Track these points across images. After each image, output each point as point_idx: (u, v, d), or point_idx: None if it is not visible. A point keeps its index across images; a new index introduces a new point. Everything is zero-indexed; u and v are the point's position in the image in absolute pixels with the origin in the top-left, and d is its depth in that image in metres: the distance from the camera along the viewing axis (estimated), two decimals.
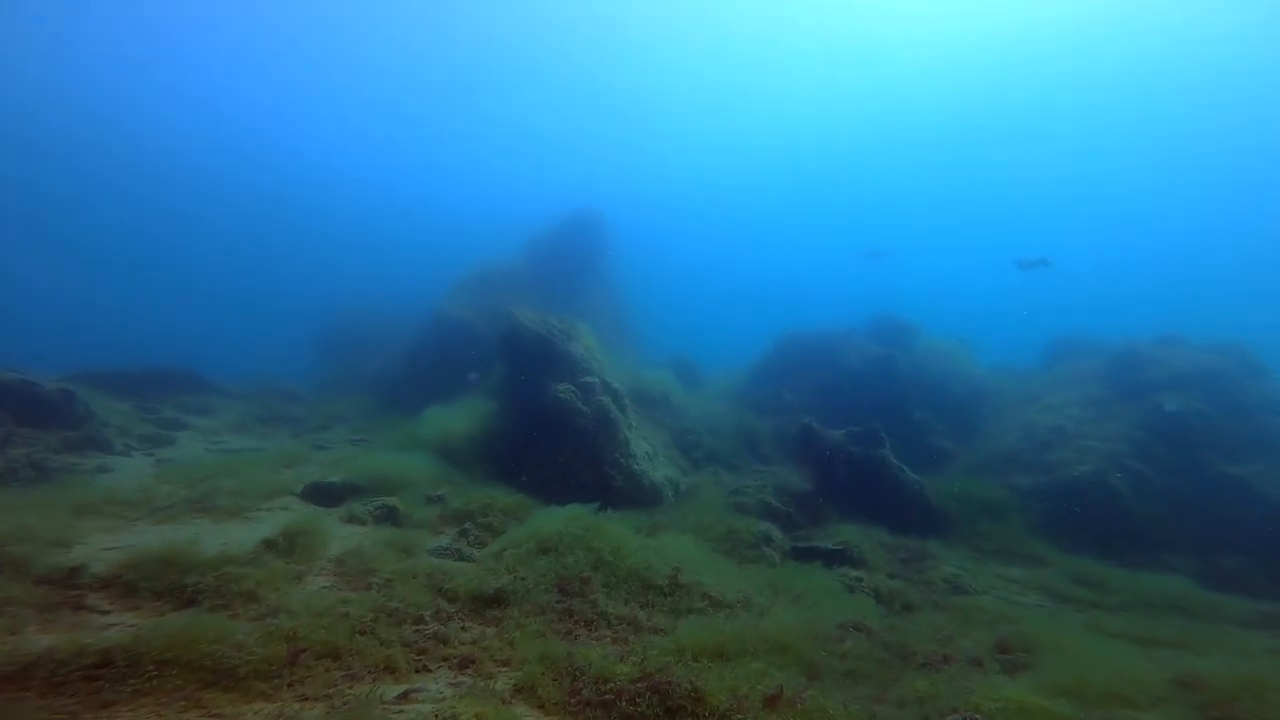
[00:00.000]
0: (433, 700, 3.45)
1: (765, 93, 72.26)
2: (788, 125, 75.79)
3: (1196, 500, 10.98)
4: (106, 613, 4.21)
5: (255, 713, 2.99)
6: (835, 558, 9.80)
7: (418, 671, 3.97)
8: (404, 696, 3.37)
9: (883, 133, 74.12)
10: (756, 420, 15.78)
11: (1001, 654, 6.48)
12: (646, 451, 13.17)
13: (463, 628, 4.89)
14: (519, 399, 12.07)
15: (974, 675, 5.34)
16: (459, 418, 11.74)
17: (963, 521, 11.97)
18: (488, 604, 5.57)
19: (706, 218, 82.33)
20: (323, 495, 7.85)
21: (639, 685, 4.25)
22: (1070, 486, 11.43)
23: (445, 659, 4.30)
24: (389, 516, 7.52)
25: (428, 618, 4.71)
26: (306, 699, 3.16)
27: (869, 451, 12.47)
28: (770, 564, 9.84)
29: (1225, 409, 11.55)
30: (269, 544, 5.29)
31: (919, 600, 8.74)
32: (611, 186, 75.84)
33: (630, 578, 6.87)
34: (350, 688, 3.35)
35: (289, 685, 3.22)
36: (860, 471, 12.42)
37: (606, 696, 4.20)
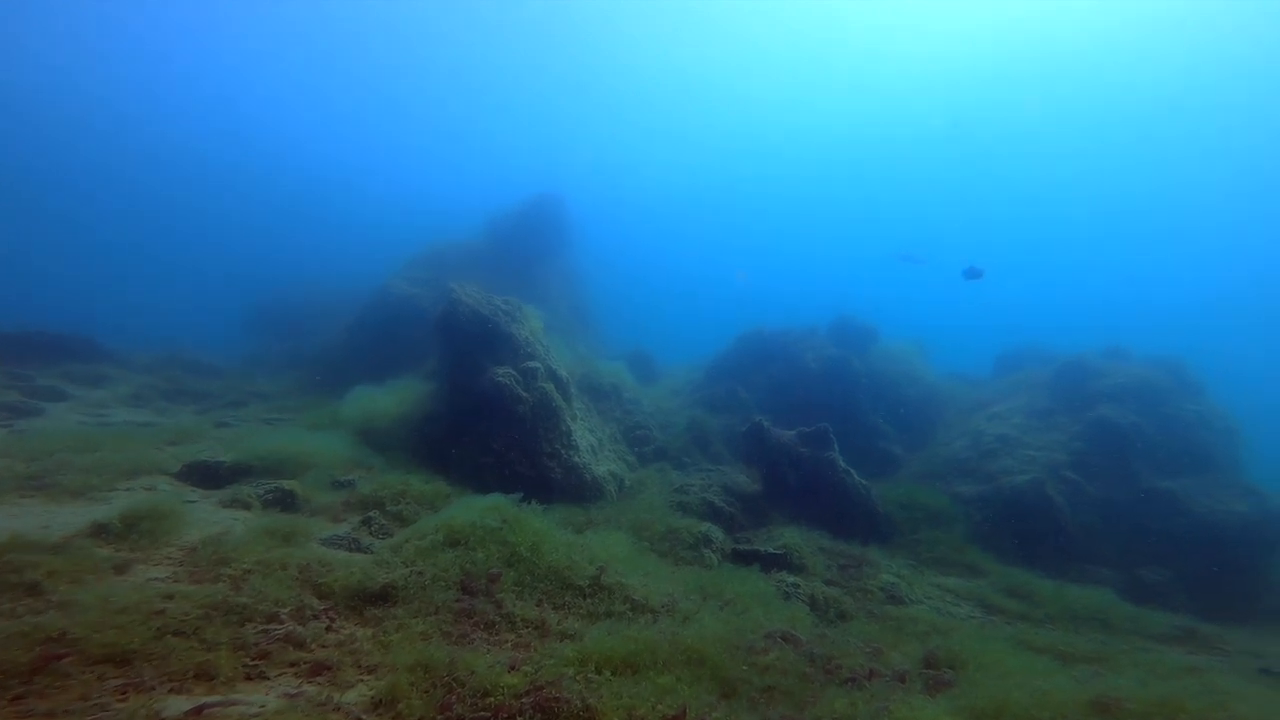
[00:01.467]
0: (245, 715, 2.79)
1: (744, 94, 72.65)
2: (768, 125, 76.38)
3: (1126, 513, 11.13)
4: None
5: None
6: (774, 562, 9.44)
7: (248, 679, 3.29)
8: (196, 712, 2.70)
9: (862, 139, 75.35)
10: (709, 417, 15.40)
11: (928, 669, 6.19)
12: (590, 444, 12.58)
13: (329, 628, 4.21)
14: (455, 381, 11.31)
15: (896, 693, 4.98)
16: (387, 398, 10.91)
17: (906, 529, 11.84)
18: (371, 601, 4.89)
19: (682, 216, 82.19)
20: (205, 475, 6.96)
21: (523, 701, 3.68)
22: (1010, 496, 11.42)
23: (293, 664, 3.64)
24: (282, 501, 6.70)
25: (283, 616, 4.01)
26: (31, 715, 2.47)
27: (817, 453, 12.22)
28: (708, 566, 9.43)
29: (1160, 422, 11.76)
30: (99, 528, 4.48)
31: (853, 609, 8.45)
32: (584, 179, 74.94)
33: (548, 576, 6.30)
34: (121, 699, 2.66)
35: (16, 699, 2.52)
36: (808, 473, 12.15)
37: (482, 714, 3.61)
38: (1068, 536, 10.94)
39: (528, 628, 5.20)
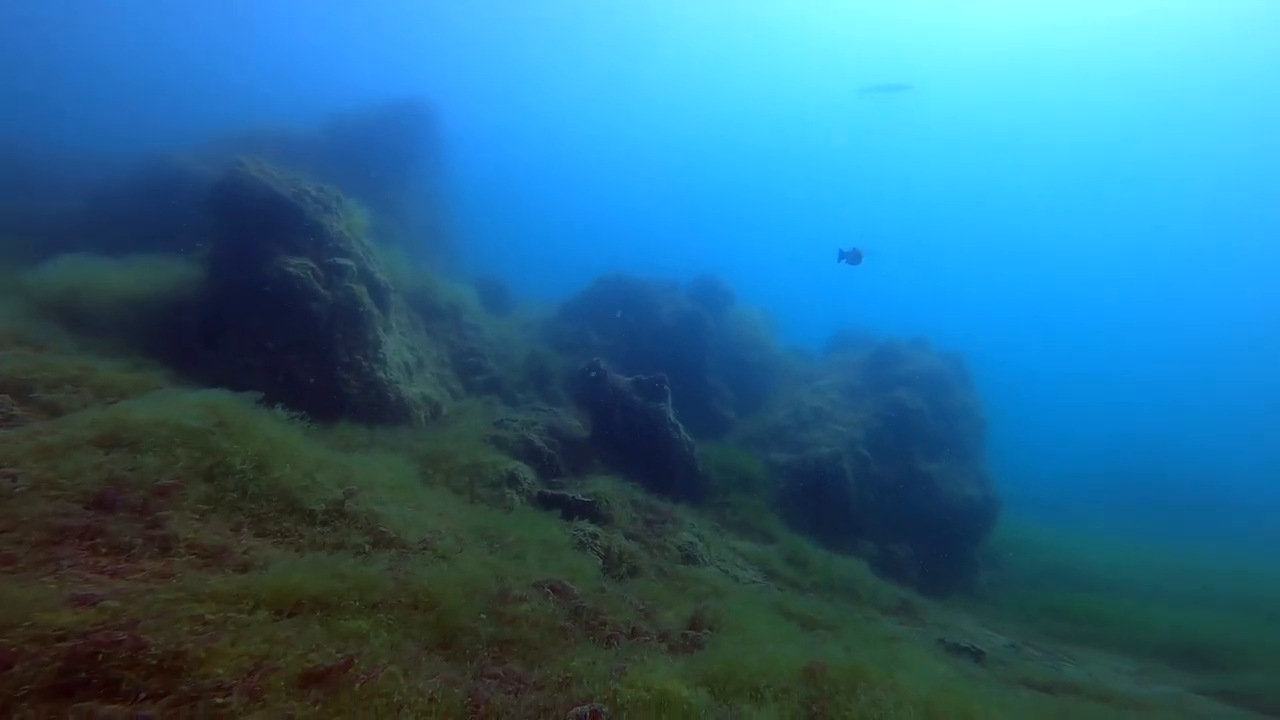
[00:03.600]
0: None
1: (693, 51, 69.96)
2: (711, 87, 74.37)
3: (895, 490, 12.49)
4: None
5: None
6: (581, 510, 8.96)
7: None
8: None
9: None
10: (555, 356, 14.51)
11: (691, 630, 6.10)
12: (406, 362, 11.00)
13: None
14: (229, 265, 9.00)
15: (642, 653, 4.61)
16: (117, 273, 8.33)
17: (719, 490, 12.16)
18: None
19: (600, 162, 78.02)
20: None
21: (79, 644, 2.49)
22: (813, 467, 12.22)
23: None
24: None
25: None
26: None
27: (649, 404, 11.96)
28: (508, 508, 8.67)
29: (938, 410, 13.32)
30: None
31: (647, 565, 8.29)
32: (488, 96, 67.74)
33: (269, 496, 5.00)
34: None
35: None
36: (637, 423, 11.87)
37: None
38: (850, 509, 11.98)
39: (195, 554, 3.92)
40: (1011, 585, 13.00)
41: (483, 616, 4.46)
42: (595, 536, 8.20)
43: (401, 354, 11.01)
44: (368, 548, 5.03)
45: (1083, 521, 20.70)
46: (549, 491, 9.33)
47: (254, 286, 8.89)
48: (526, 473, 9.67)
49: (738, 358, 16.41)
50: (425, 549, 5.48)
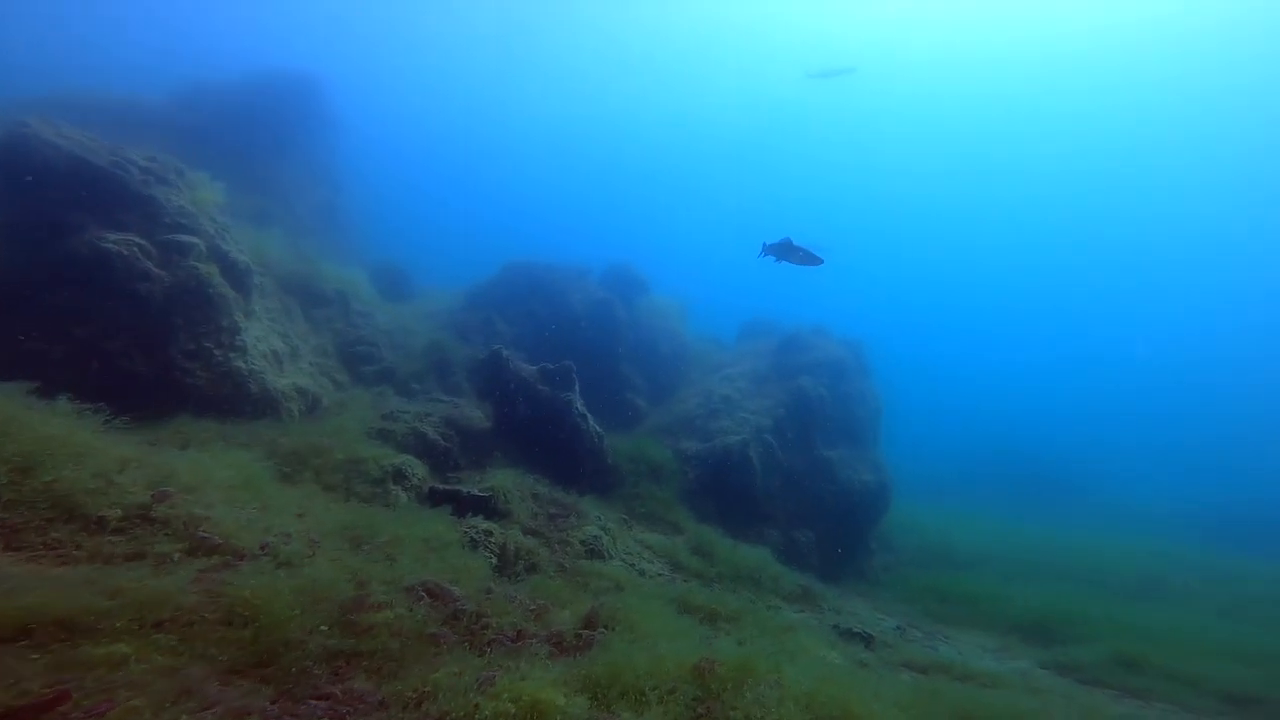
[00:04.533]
0: None
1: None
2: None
3: (799, 477, 12.82)
4: None
5: None
6: (475, 505, 8.27)
7: None
8: None
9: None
10: (458, 345, 13.55)
11: (585, 629, 5.69)
12: (275, 350, 9.70)
13: None
14: (21, 241, 7.40)
15: (524, 659, 4.13)
16: None
17: (629, 481, 11.86)
18: None
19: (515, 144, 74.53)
20: None
21: None
22: (721, 455, 12.24)
23: None
24: None
25: None
26: None
27: (556, 393, 11.40)
28: (392, 505, 7.82)
29: (838, 397, 13.84)
30: None
31: (546, 561, 7.77)
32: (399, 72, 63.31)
33: (37, 503, 3.94)
34: None
35: None
36: (543, 413, 11.27)
37: None
38: (756, 498, 12.12)
39: None
40: (900, 567, 13.76)
41: (323, 628, 3.75)
42: (490, 533, 7.56)
43: (269, 342, 9.69)
44: (177, 556, 4.12)
45: (964, 504, 22.46)
46: (440, 487, 8.53)
47: (56, 264, 7.37)
48: (416, 467, 8.81)
49: (651, 347, 16.21)
50: (264, 555, 4.63)
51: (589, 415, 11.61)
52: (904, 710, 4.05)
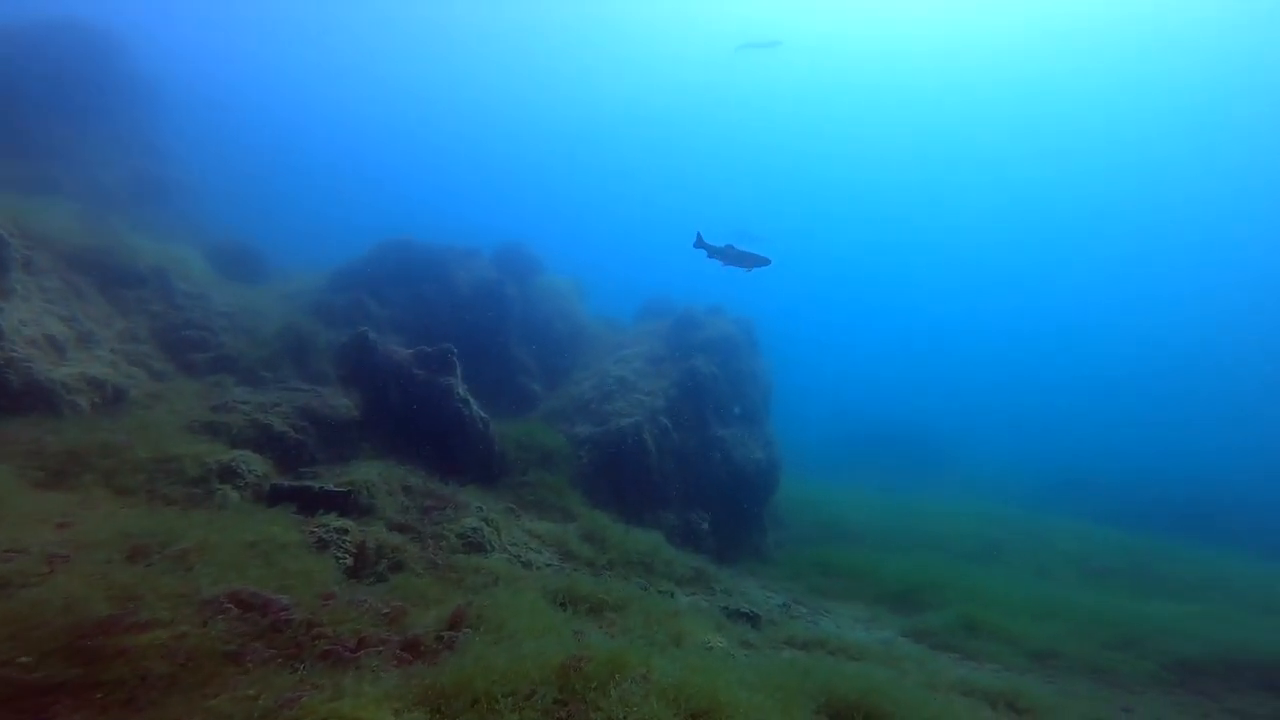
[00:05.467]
0: None
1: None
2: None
3: (694, 458, 12.84)
4: None
5: None
6: (328, 502, 7.15)
7: None
8: None
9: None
10: (321, 329, 11.96)
11: (449, 630, 5.02)
12: (54, 336, 7.84)
13: None
14: None
15: (351, 673, 3.42)
16: None
17: (518, 468, 11.16)
18: None
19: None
20: None
21: None
22: (615, 438, 11.90)
23: None
24: None
25: None
26: None
27: (435, 378, 10.38)
28: (221, 507, 6.57)
29: (730, 376, 14.05)
30: None
31: (414, 559, 6.90)
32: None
33: None
34: None
35: None
36: (419, 400, 10.21)
37: None
38: (652, 480, 11.92)
39: None
40: (791, 544, 14.27)
41: (23, 660, 2.77)
42: (345, 532, 6.54)
43: (43, 325, 7.79)
44: None
45: (853, 476, 23.82)
46: (285, 483, 7.31)
47: None
48: (255, 463, 7.51)
49: (545, 329, 15.48)
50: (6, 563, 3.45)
51: (472, 401, 10.70)
52: (774, 692, 3.90)
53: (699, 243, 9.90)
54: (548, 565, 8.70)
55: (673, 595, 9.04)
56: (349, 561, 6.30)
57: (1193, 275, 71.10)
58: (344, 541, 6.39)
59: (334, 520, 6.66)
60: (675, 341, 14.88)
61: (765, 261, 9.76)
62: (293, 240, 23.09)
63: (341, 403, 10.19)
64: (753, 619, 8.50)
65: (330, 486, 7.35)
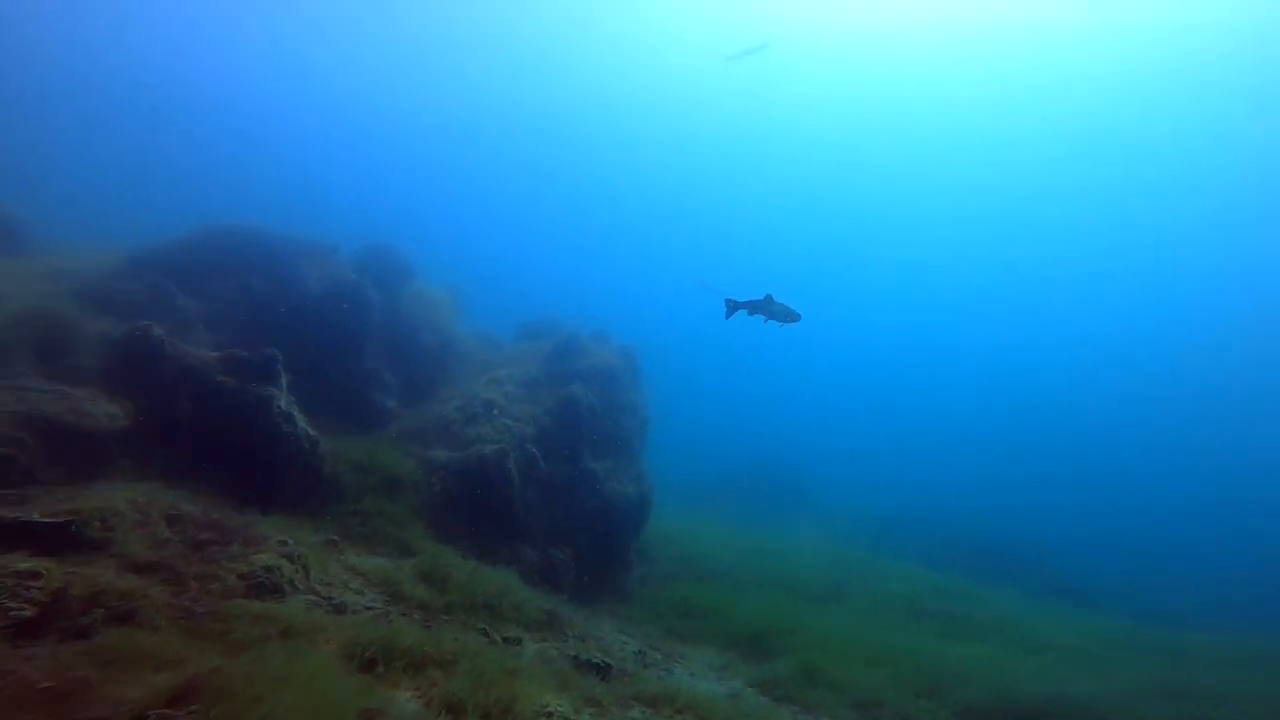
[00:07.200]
0: None
1: None
2: None
3: (561, 490, 11.96)
4: None
5: None
6: (36, 536, 5.24)
7: None
8: None
9: None
10: (86, 315, 9.51)
11: (168, 710, 3.64)
12: None
13: None
14: None
15: None
16: None
17: (352, 494, 9.53)
18: None
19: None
20: None
21: None
22: (476, 466, 10.73)
23: None
24: None
25: None
26: None
27: (247, 387, 8.57)
28: None
29: (608, 406, 13.45)
30: None
31: (156, 607, 5.20)
32: None
33: None
34: None
35: None
36: (222, 412, 8.31)
37: None
38: (513, 513, 10.84)
39: None
40: (656, 581, 13.69)
41: None
42: (36, 575, 4.74)
43: None
44: None
45: (722, 511, 23.40)
46: None
47: None
48: None
49: (411, 341, 13.90)
50: None
51: (298, 416, 8.97)
52: None
53: (733, 307, 8.84)
54: (368, 609, 7.22)
55: (520, 643, 7.94)
56: (27, 613, 4.52)
57: (1021, 324, 75.30)
58: (29, 590, 4.61)
59: (21, 561, 4.83)
60: (555, 366, 14.05)
61: (796, 316, 9.01)
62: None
63: (102, 410, 7.96)
64: (603, 670, 7.64)
65: (36, 517, 5.43)
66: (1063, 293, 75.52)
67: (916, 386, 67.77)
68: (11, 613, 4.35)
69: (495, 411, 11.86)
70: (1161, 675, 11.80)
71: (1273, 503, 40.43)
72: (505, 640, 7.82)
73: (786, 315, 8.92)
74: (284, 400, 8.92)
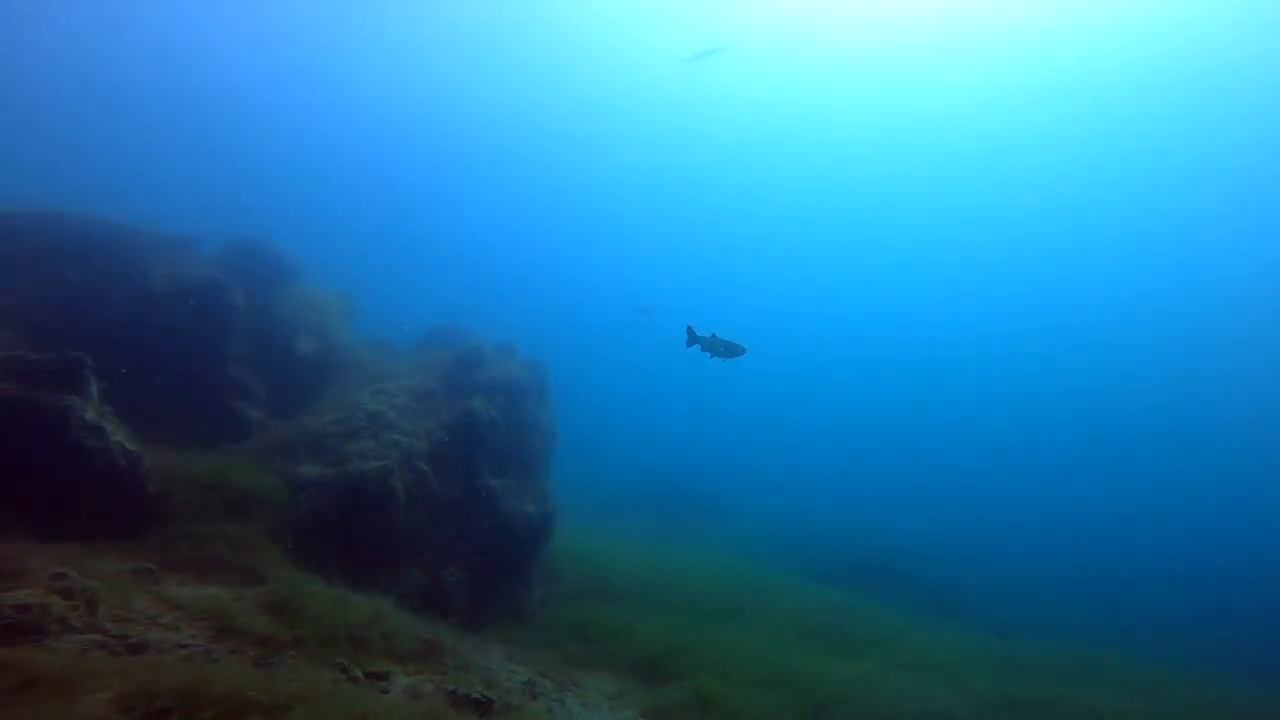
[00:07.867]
0: None
1: None
2: None
3: (454, 510, 11.05)
4: None
5: None
6: None
7: None
8: None
9: None
10: None
11: None
12: None
13: None
14: None
15: None
16: None
17: (189, 516, 8.14)
18: None
19: None
20: None
21: None
22: (354, 484, 9.57)
23: None
24: None
25: None
26: None
27: (38, 397, 7.09)
28: None
29: (512, 422, 12.68)
30: None
31: None
32: None
33: None
34: None
35: None
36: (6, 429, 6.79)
37: None
38: (396, 534, 9.81)
39: None
40: (558, 601, 12.89)
41: None
42: None
43: None
44: None
45: (632, 528, 22.46)
46: None
47: None
48: None
49: (284, 347, 12.42)
50: None
51: (110, 429, 7.51)
52: None
53: (691, 339, 9.30)
54: (181, 647, 6.02)
55: (388, 678, 7.00)
56: None
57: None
58: None
59: None
60: (455, 378, 13.10)
61: (741, 350, 9.47)
62: None
63: None
64: (483, 706, 6.88)
65: None
66: (918, 295, 75.40)
67: (824, 397, 64.82)
68: None
69: (382, 425, 10.77)
70: (1006, 688, 12.71)
71: (1110, 509, 44.12)
72: (369, 676, 6.86)
73: (730, 350, 9.36)
74: (91, 411, 7.45)
